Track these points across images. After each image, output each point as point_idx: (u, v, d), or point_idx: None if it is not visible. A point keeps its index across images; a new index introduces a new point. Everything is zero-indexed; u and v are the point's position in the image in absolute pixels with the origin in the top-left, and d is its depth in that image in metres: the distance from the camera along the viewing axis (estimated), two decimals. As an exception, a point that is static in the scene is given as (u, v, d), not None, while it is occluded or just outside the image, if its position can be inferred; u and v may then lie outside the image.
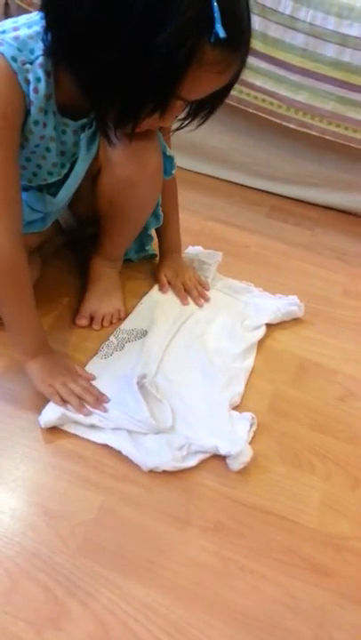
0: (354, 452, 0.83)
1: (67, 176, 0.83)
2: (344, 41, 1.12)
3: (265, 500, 0.74)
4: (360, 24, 1.10)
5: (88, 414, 0.77)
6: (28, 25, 0.68)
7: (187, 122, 0.74)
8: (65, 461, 0.73)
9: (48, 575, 0.62)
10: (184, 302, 1.01)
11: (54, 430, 0.76)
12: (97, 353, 0.88)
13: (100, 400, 0.79)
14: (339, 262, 1.24)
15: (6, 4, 1.31)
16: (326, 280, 1.18)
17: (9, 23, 0.69)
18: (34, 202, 0.83)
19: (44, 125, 0.73)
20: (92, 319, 0.94)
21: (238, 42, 0.62)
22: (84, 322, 0.94)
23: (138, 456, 0.74)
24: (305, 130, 1.25)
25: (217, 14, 0.57)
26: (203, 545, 0.68)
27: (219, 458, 0.77)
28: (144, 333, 0.93)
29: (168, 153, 0.93)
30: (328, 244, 1.29)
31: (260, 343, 0.97)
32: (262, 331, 0.98)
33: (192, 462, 0.75)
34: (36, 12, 0.68)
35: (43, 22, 0.66)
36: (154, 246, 1.09)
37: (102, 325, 0.94)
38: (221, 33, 0.57)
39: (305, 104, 1.21)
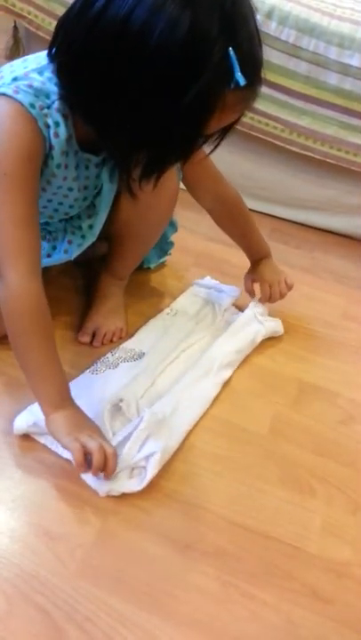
0: (355, 476, 0.83)
1: (94, 206, 0.85)
2: (346, 70, 1.14)
3: (265, 524, 0.74)
4: (361, 54, 1.13)
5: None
6: (39, 71, 0.69)
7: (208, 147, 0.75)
8: (65, 482, 0.73)
9: (46, 598, 0.61)
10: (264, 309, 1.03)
11: (52, 451, 0.76)
12: (89, 367, 0.88)
13: (113, 467, 0.70)
14: (339, 285, 1.25)
15: (15, 28, 1.33)
16: (326, 303, 1.19)
17: (20, 68, 0.69)
18: (70, 248, 0.86)
19: (66, 167, 0.74)
20: (93, 336, 0.95)
21: (255, 79, 0.64)
22: (86, 338, 0.94)
23: (93, 481, 0.71)
24: (307, 153, 1.27)
25: (236, 65, 0.58)
26: (203, 569, 0.67)
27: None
28: (141, 355, 0.92)
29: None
30: (328, 267, 1.30)
31: (260, 365, 0.98)
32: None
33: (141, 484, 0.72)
34: (44, 54, 0.69)
35: (53, 68, 0.67)
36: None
37: (103, 343, 0.95)
38: (242, 81, 0.59)
39: (307, 128, 1.23)
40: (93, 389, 0.83)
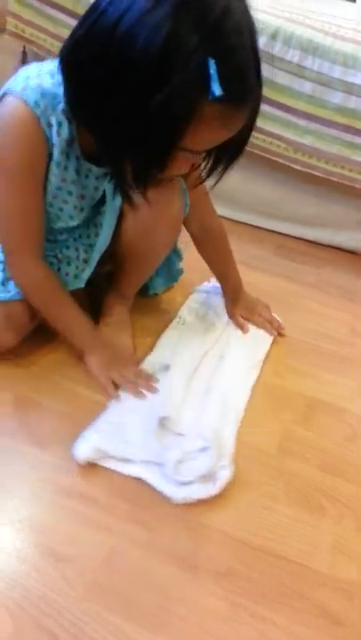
0: (364, 494, 0.82)
1: (101, 225, 0.87)
2: (350, 89, 1.16)
3: (275, 543, 0.73)
4: (365, 73, 1.14)
5: (142, 397, 0.85)
6: (51, 74, 0.71)
7: (208, 174, 0.76)
8: (73, 502, 0.72)
9: (54, 620, 0.61)
10: (272, 333, 1.06)
11: (62, 470, 0.76)
12: (121, 387, 0.88)
13: (150, 381, 0.88)
14: (346, 301, 1.25)
15: (24, 53, 1.36)
16: (334, 318, 1.18)
17: (34, 70, 0.72)
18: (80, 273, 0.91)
19: (65, 168, 0.76)
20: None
21: (241, 97, 0.62)
22: (92, 358, 0.95)
23: (168, 489, 0.74)
24: (311, 171, 1.28)
25: (213, 74, 0.57)
26: (212, 590, 0.67)
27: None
28: (167, 368, 0.92)
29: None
30: (335, 282, 1.30)
31: (267, 381, 0.98)
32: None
33: (216, 488, 0.76)
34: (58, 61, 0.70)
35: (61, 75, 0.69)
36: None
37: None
38: (218, 92, 0.57)
39: (311, 147, 1.24)
40: (136, 408, 0.85)
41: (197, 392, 0.90)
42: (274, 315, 1.10)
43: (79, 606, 0.62)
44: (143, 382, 0.87)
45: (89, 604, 0.63)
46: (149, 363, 0.94)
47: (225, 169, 0.74)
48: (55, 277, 0.86)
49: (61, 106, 0.70)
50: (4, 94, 0.71)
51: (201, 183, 0.82)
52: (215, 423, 0.84)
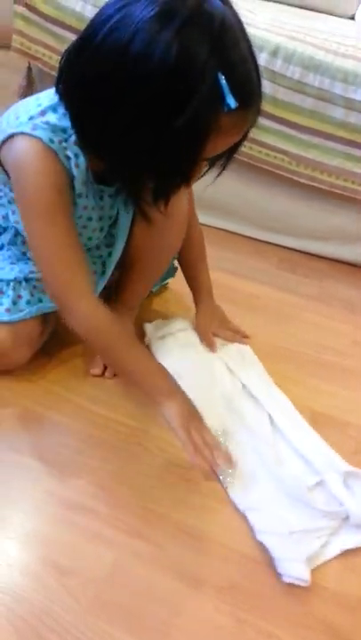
0: (370, 508, 0.82)
1: (112, 236, 0.88)
2: (351, 104, 1.17)
3: (280, 557, 0.72)
4: (366, 89, 1.15)
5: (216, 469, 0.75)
6: (53, 108, 0.71)
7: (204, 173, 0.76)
8: (77, 516, 0.72)
9: (58, 634, 0.60)
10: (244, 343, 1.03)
11: (65, 483, 0.76)
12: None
13: (228, 459, 0.76)
14: (348, 313, 1.26)
15: (29, 69, 1.38)
16: (336, 331, 1.19)
17: (34, 106, 0.72)
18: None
19: (87, 196, 0.77)
20: (105, 368, 0.95)
21: (250, 101, 0.65)
22: (97, 371, 0.94)
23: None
24: (314, 184, 1.29)
25: (225, 88, 0.59)
26: (217, 605, 0.66)
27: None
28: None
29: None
30: (337, 295, 1.31)
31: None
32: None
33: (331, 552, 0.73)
34: (54, 90, 0.71)
35: (63, 104, 0.69)
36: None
37: (115, 375, 0.95)
38: (233, 104, 0.60)
39: (314, 161, 1.25)
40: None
41: (277, 444, 0.86)
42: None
43: (83, 620, 0.62)
44: (222, 457, 0.75)
45: (92, 618, 0.62)
46: None
47: (224, 166, 0.75)
48: (117, 319, 0.80)
49: (73, 138, 0.71)
50: (11, 135, 0.71)
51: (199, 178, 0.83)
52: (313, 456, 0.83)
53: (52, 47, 1.30)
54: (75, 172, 0.73)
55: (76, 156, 0.72)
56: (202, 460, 0.72)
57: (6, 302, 0.84)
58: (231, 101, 0.60)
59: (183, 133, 0.61)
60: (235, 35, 0.61)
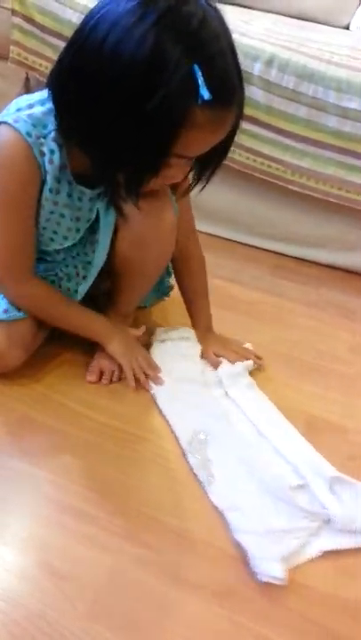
0: (366, 512, 0.82)
1: (97, 242, 0.89)
2: (345, 113, 1.19)
3: (277, 562, 0.73)
4: (359, 98, 1.17)
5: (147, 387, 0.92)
6: (42, 102, 0.74)
7: (195, 182, 0.78)
8: (75, 521, 0.72)
9: (54, 640, 0.60)
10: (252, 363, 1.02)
11: (62, 488, 0.76)
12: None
13: (155, 378, 0.94)
14: (344, 319, 1.26)
15: (27, 79, 1.40)
16: (333, 337, 1.19)
17: (24, 101, 0.75)
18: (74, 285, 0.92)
19: (57, 192, 0.79)
20: (101, 374, 0.95)
21: (228, 99, 0.65)
22: (93, 377, 0.95)
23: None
24: (309, 192, 1.30)
25: (200, 78, 0.60)
26: (214, 610, 0.66)
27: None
28: (205, 439, 0.87)
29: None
30: (333, 301, 1.31)
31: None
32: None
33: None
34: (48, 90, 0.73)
35: (51, 99, 0.71)
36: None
37: (111, 381, 0.95)
38: (206, 95, 0.60)
39: (308, 169, 1.27)
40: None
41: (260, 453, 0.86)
42: (249, 348, 1.06)
43: (80, 625, 0.62)
44: (153, 375, 0.94)
45: (91, 624, 0.62)
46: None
47: (210, 175, 0.76)
48: (52, 288, 0.89)
49: (52, 134, 0.73)
50: None
51: (189, 192, 0.84)
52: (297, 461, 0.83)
53: (49, 58, 1.32)
54: (48, 167, 0.75)
55: (52, 152, 0.74)
56: (138, 383, 0.93)
57: (3, 303, 0.86)
58: (205, 93, 0.60)
59: (153, 119, 0.61)
60: (215, 32, 0.62)
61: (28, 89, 1.41)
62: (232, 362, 1.01)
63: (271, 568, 0.68)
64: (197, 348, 1.03)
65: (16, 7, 1.30)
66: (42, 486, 0.76)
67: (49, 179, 0.76)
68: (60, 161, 0.75)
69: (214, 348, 1.03)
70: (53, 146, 0.74)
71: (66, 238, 0.85)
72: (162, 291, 1.11)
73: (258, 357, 1.04)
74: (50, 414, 0.87)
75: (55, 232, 0.83)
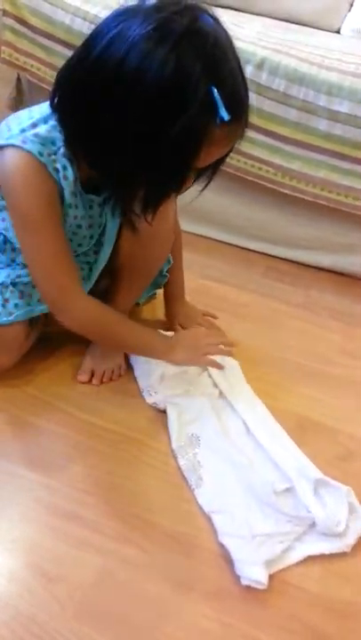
0: (355, 513, 0.82)
1: (100, 243, 0.89)
2: (335, 116, 1.19)
3: (266, 562, 0.73)
4: (349, 101, 1.17)
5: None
6: (44, 119, 0.73)
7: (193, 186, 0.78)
8: (64, 522, 0.72)
9: (44, 642, 0.60)
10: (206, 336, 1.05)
11: (52, 490, 0.76)
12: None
13: (229, 342, 1.01)
14: (335, 322, 1.27)
15: (18, 80, 1.39)
16: (323, 339, 1.20)
17: (25, 119, 0.74)
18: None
19: (76, 207, 0.79)
20: (92, 374, 0.95)
21: (240, 114, 0.67)
22: (84, 377, 0.95)
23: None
24: (299, 195, 1.30)
25: (219, 101, 0.61)
26: (203, 611, 0.66)
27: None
28: (198, 439, 0.89)
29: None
30: (324, 303, 1.32)
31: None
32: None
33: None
34: (47, 104, 0.73)
35: (56, 117, 0.71)
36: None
37: (102, 381, 0.95)
38: (226, 117, 0.62)
39: (299, 172, 1.27)
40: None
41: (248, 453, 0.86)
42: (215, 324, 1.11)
43: (70, 627, 0.62)
44: (226, 342, 1.00)
45: (80, 626, 0.62)
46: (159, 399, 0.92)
47: (211, 178, 0.77)
48: (105, 306, 0.86)
49: (62, 150, 0.73)
50: (1, 148, 0.72)
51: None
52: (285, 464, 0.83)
53: (41, 59, 1.32)
54: (63, 183, 0.75)
55: (64, 167, 0.74)
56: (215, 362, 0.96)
57: None
58: (224, 114, 0.62)
59: (177, 143, 0.63)
60: (225, 51, 0.64)
61: (19, 90, 1.40)
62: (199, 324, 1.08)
63: (253, 572, 0.69)
64: None
65: (7, 8, 1.29)
66: (31, 488, 0.76)
67: (66, 194, 0.76)
68: (73, 175, 0.75)
69: (179, 318, 1.09)
70: (65, 161, 0.74)
71: (80, 245, 0.86)
72: (157, 282, 1.11)
73: (223, 337, 1.08)
74: (41, 416, 0.87)
75: (71, 240, 0.84)
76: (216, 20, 0.65)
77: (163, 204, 0.73)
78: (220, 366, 0.96)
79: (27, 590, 0.64)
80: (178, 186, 0.71)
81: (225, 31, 0.65)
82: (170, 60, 0.60)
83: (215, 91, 0.61)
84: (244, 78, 0.67)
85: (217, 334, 1.01)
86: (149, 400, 0.93)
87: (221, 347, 0.98)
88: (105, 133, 0.66)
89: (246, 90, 0.68)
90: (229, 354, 0.98)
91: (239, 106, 0.66)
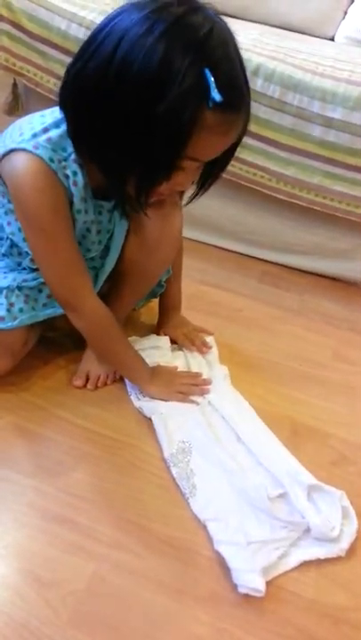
0: (349, 518, 0.83)
1: (107, 248, 0.89)
2: (329, 123, 1.20)
3: (260, 567, 0.73)
4: (343, 108, 1.18)
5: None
6: (56, 124, 0.73)
7: (199, 190, 0.79)
8: (57, 527, 0.72)
9: (37, 649, 0.60)
10: (191, 348, 1.06)
11: (45, 495, 0.76)
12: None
13: (205, 382, 0.98)
14: (328, 327, 1.27)
15: (14, 85, 1.39)
16: (317, 344, 1.20)
17: (38, 123, 0.74)
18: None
19: (86, 212, 0.79)
20: (87, 379, 0.95)
21: (238, 102, 0.66)
22: (79, 382, 0.95)
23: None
24: (294, 201, 1.31)
25: (211, 81, 0.61)
26: (197, 615, 0.66)
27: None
28: (189, 449, 0.88)
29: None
30: (318, 309, 1.33)
31: (253, 405, 0.97)
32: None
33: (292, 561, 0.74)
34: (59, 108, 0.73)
35: (63, 115, 0.71)
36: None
37: (97, 386, 0.95)
38: (218, 98, 0.61)
39: (293, 178, 1.28)
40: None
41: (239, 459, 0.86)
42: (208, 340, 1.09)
43: (63, 634, 0.62)
44: (201, 383, 0.98)
45: (72, 631, 0.62)
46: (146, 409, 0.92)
47: (213, 181, 0.77)
48: (112, 314, 0.88)
49: (73, 155, 0.73)
50: (12, 150, 0.72)
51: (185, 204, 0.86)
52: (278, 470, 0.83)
53: (38, 64, 1.32)
54: (73, 190, 0.75)
55: (75, 173, 0.74)
56: (191, 400, 0.95)
57: (0, 311, 0.85)
58: (216, 95, 0.61)
59: (166, 122, 0.62)
60: (223, 38, 0.64)
61: (15, 94, 1.41)
62: (178, 344, 1.07)
63: (251, 579, 0.69)
64: (169, 356, 1.03)
65: (4, 13, 1.30)
66: (25, 493, 0.75)
67: (76, 200, 0.76)
68: (83, 181, 0.75)
69: (166, 328, 1.10)
70: (75, 167, 0.74)
71: (89, 250, 0.86)
72: (154, 291, 1.12)
73: (206, 347, 1.07)
74: (36, 421, 0.87)
75: (80, 244, 0.83)
76: (216, 14, 0.64)
77: (154, 192, 0.72)
78: (192, 402, 0.94)
79: (19, 596, 0.64)
80: (169, 171, 0.68)
81: (225, 24, 0.65)
82: (159, 45, 0.60)
83: (207, 71, 0.60)
84: (244, 71, 0.66)
85: (192, 376, 0.99)
86: (136, 404, 0.93)
87: (194, 388, 0.96)
88: (101, 125, 0.66)
89: (246, 81, 0.67)
90: (202, 392, 0.96)
91: (235, 91, 0.65)
